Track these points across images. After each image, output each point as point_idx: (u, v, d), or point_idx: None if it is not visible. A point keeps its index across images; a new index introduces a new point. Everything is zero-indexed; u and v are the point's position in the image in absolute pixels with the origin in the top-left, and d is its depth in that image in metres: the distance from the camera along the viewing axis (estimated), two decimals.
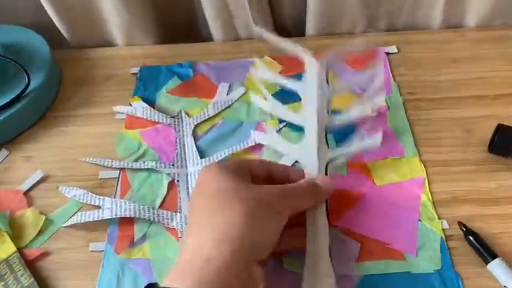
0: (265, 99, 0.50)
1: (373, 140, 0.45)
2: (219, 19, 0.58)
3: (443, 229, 0.41)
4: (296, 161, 0.45)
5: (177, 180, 0.46)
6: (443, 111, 0.50)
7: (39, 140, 0.51)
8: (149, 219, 0.43)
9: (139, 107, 0.52)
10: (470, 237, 0.40)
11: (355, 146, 0.45)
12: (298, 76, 0.54)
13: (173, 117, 0.52)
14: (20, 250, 0.42)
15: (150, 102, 0.53)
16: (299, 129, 0.47)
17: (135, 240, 0.42)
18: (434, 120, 0.50)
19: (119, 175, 0.47)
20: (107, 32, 0.61)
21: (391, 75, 0.54)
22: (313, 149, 0.43)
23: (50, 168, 0.48)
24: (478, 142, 0.47)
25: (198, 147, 0.49)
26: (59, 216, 0.45)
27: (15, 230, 0.43)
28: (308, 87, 0.48)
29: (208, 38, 0.62)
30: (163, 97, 0.54)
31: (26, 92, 0.51)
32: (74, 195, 0.45)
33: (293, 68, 0.55)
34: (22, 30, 0.58)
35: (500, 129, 0.45)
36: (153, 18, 0.60)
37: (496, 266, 0.38)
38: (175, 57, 0.59)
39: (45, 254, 0.42)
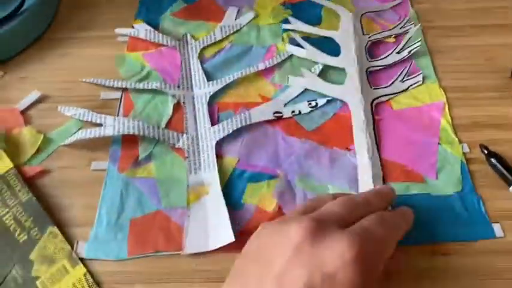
0: (300, 46, 0.47)
1: (415, 79, 0.44)
2: None
3: (463, 152, 0.39)
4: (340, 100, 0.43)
5: (183, 102, 0.44)
6: (463, 39, 0.48)
7: (37, 61, 0.48)
8: (154, 138, 0.40)
9: (142, 29, 0.49)
10: (492, 159, 0.38)
11: (398, 86, 0.43)
12: None
13: (178, 40, 0.49)
14: (18, 167, 0.40)
15: (154, 26, 0.50)
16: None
17: (139, 159, 0.40)
18: (453, 48, 0.47)
19: (122, 96, 0.44)
20: None
21: (409, 2, 0.51)
22: (357, 90, 0.42)
23: (48, 89, 0.46)
24: (499, 69, 0.45)
25: (204, 70, 0.46)
26: (59, 135, 0.42)
27: (12, 148, 0.41)
28: (345, 36, 0.47)
29: None
30: (167, 20, 0.51)
31: (22, 10, 0.48)
32: (74, 114, 0.43)
33: None
34: None
35: None
36: None
37: None
38: None
39: (45, 172, 0.40)
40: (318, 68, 0.45)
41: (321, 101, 0.42)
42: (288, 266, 0.26)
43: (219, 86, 0.44)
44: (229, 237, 0.34)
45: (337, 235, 0.27)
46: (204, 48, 0.48)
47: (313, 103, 0.43)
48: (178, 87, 0.45)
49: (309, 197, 0.37)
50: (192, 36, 0.49)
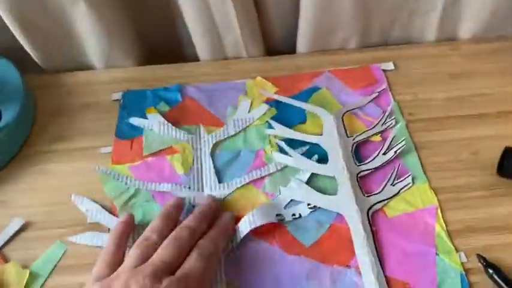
0: (285, 153, 0.47)
1: (404, 181, 0.44)
2: (206, 38, 0.54)
3: (461, 263, 0.39)
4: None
5: (193, 206, 0.43)
6: (446, 132, 0.49)
7: (15, 182, 0.46)
8: None
9: (155, 122, 0.49)
10: (491, 271, 0.38)
11: (389, 191, 0.44)
12: (294, 97, 0.52)
13: (191, 133, 0.48)
14: None
15: (137, 132, 0.49)
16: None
17: None
18: (438, 143, 0.48)
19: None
20: (84, 55, 0.55)
21: (390, 94, 0.52)
22: (352, 200, 0.42)
23: (29, 214, 0.43)
24: (486, 165, 0.45)
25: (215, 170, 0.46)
26: (43, 266, 0.40)
27: None
28: (330, 140, 0.47)
29: (194, 58, 0.58)
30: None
31: None
32: (87, 210, 0.42)
33: (288, 88, 0.53)
34: None
35: (508, 152, 0.44)
36: (133, 37, 0.56)
37: None
38: (160, 80, 0.54)
39: None
40: (306, 175, 0.45)
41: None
42: None
43: (231, 190, 0.44)
44: None
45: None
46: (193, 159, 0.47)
47: (313, 205, 0.43)
48: (189, 188, 0.44)
49: None
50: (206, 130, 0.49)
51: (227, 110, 0.51)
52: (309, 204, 0.43)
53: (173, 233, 0.37)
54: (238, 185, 0.44)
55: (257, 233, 0.41)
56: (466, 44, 0.57)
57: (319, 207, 0.43)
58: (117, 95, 0.53)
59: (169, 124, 0.49)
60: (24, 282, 0.39)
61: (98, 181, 0.45)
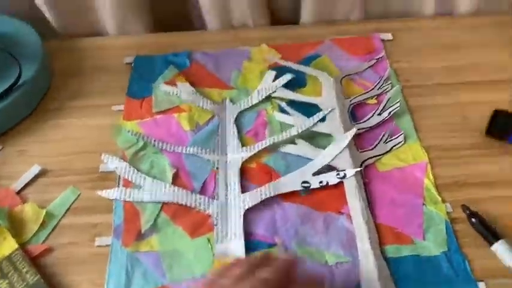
0: (286, 113, 0.50)
1: (396, 140, 0.47)
2: (214, 9, 0.57)
3: (447, 212, 0.42)
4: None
5: (217, 168, 0.46)
6: (440, 98, 0.51)
7: (33, 134, 0.50)
8: (186, 205, 0.42)
9: (184, 90, 0.52)
10: (474, 220, 0.41)
11: (382, 147, 0.46)
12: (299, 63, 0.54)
13: (217, 103, 0.51)
14: (22, 246, 0.41)
15: (147, 92, 0.52)
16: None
17: (142, 231, 0.41)
18: (430, 107, 0.50)
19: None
20: (97, 21, 0.59)
21: (387, 61, 0.55)
22: (346, 154, 0.45)
23: (46, 162, 0.47)
24: (476, 127, 0.48)
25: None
26: (58, 208, 0.44)
27: (15, 226, 0.42)
28: (328, 101, 0.50)
29: (202, 28, 0.61)
30: (160, 87, 0.53)
31: (18, 84, 0.49)
32: (116, 167, 0.45)
33: (290, 55, 0.55)
34: (9, 20, 0.55)
35: (497, 114, 0.46)
36: (146, 7, 0.59)
37: (499, 248, 0.39)
38: (169, 46, 0.57)
39: (49, 250, 0.41)
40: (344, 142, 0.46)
41: (349, 172, 0.44)
42: None
43: (253, 152, 0.46)
44: None
45: None
46: (199, 116, 0.50)
47: (342, 174, 0.44)
48: (214, 151, 0.47)
49: (308, 263, 0.39)
50: (231, 100, 0.51)
51: (232, 74, 0.54)
52: (338, 174, 0.44)
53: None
54: (260, 148, 0.47)
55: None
56: (463, 18, 0.59)
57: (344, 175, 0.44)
58: (129, 59, 0.56)
59: (198, 93, 0.51)
60: (41, 220, 0.42)
61: (110, 135, 0.49)
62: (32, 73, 0.51)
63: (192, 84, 0.53)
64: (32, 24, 0.55)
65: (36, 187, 0.45)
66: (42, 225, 0.42)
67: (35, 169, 0.46)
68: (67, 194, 0.44)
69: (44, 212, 0.43)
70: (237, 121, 0.50)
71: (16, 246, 0.40)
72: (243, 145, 0.47)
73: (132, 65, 0.55)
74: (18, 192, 0.45)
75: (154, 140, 0.48)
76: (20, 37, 0.54)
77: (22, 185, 0.45)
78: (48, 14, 0.57)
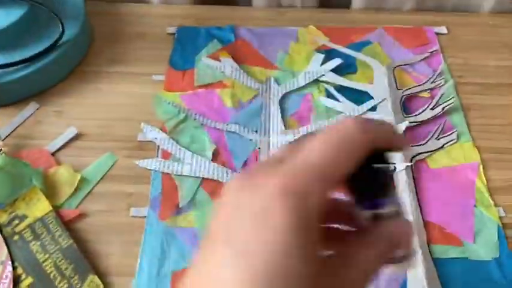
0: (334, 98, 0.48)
1: (449, 137, 0.45)
2: None
3: (500, 217, 0.40)
4: None
5: (259, 148, 0.44)
6: (494, 98, 0.49)
7: (71, 95, 0.48)
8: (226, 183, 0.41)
9: (228, 65, 0.50)
10: None
11: (434, 143, 0.44)
12: (347, 47, 0.52)
13: (261, 83, 0.49)
14: (56, 209, 0.39)
15: (189, 64, 0.50)
16: None
17: (180, 206, 0.40)
18: (484, 106, 0.48)
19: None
20: None
21: (442, 55, 0.52)
22: None
23: (83, 126, 0.45)
24: None
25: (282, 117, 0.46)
26: (93, 173, 0.42)
27: (49, 188, 0.41)
28: (379, 90, 0.48)
29: (248, 4, 0.59)
30: (203, 62, 0.51)
31: (59, 43, 0.48)
32: (155, 138, 0.44)
33: (340, 39, 0.53)
34: None
35: None
36: None
37: None
38: (213, 19, 0.55)
39: (82, 216, 0.40)
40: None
41: (400, 166, 0.42)
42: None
43: (298, 135, 0.45)
44: None
45: None
46: (242, 93, 0.48)
47: (392, 167, 0.43)
48: (256, 131, 0.45)
49: None
50: (276, 81, 0.49)
51: (277, 54, 0.52)
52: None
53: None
54: (305, 132, 0.45)
55: None
56: None
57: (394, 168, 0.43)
58: (172, 29, 0.54)
59: (241, 70, 0.49)
60: (75, 184, 0.41)
61: (149, 104, 0.47)
62: (73, 33, 0.49)
63: (236, 60, 0.51)
64: None
65: (71, 150, 0.44)
66: (76, 190, 0.41)
67: (71, 131, 0.44)
68: (104, 159, 0.43)
69: (78, 176, 0.41)
70: (281, 103, 0.48)
71: (50, 208, 0.39)
72: (286, 128, 0.46)
73: (175, 35, 0.53)
74: (53, 154, 0.43)
75: (196, 114, 0.46)
76: None
77: (57, 147, 0.44)
78: None
